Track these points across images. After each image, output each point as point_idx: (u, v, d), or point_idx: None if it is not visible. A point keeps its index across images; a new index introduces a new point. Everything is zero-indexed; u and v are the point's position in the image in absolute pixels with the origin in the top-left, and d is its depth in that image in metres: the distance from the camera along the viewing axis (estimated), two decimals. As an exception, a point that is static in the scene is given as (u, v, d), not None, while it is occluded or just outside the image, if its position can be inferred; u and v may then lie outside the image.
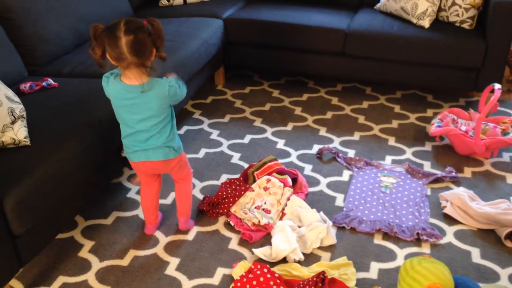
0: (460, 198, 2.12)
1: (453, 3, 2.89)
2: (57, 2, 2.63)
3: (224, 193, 2.20)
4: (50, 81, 2.28)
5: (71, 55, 2.63)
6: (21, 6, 2.43)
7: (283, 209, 2.14)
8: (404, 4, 2.97)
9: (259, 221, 2.04)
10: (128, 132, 1.81)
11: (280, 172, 2.29)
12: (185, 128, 2.87)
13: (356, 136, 2.78)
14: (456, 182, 2.37)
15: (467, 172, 2.44)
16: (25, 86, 2.23)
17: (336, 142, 2.72)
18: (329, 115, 3.00)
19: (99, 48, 1.66)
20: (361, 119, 2.95)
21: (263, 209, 2.12)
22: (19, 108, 1.84)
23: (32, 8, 2.48)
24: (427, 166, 2.50)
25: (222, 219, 2.15)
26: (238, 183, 2.27)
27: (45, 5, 2.55)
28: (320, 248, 1.98)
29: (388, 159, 2.57)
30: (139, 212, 2.21)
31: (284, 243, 1.93)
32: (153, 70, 1.74)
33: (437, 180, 2.37)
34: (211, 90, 3.34)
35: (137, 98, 1.72)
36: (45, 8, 2.55)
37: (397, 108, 3.07)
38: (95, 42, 1.65)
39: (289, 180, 2.26)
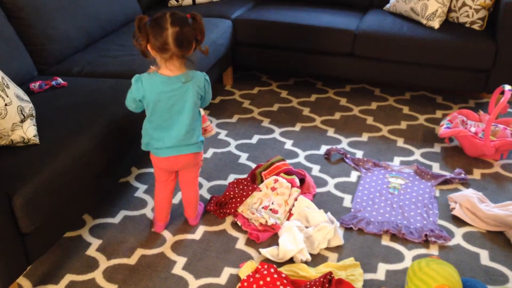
0: (469, 200, 2.10)
1: (463, 4, 2.87)
2: (67, 2, 2.64)
3: (232, 193, 2.20)
4: (60, 80, 2.29)
5: (81, 54, 2.64)
6: (32, 5, 2.45)
7: (290, 209, 2.14)
8: (414, 5, 2.95)
9: (266, 221, 2.04)
10: (163, 127, 1.82)
11: (288, 172, 2.29)
12: (193, 128, 2.88)
13: (364, 137, 2.77)
14: (465, 183, 2.35)
15: (476, 173, 2.42)
16: (35, 85, 2.24)
17: (344, 143, 2.71)
18: (337, 116, 3.00)
19: (144, 39, 1.70)
20: (370, 120, 2.94)
21: (270, 209, 2.11)
22: (28, 107, 1.85)
23: (43, 8, 2.50)
24: (435, 168, 2.48)
25: (229, 219, 2.15)
26: (245, 183, 2.26)
27: (55, 5, 2.57)
28: (327, 248, 1.97)
29: (397, 160, 2.55)
30: (146, 211, 2.21)
31: (291, 243, 1.92)
32: (192, 62, 1.79)
33: (446, 181, 2.35)
34: (219, 90, 3.34)
35: (178, 90, 1.76)
36: (55, 8, 2.56)
37: (405, 109, 3.06)
38: (140, 33, 1.69)
39: (297, 181, 2.25)
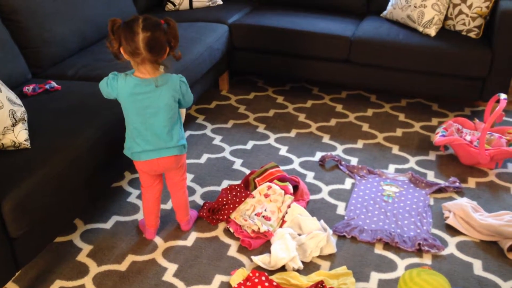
0: (463, 209, 2.09)
1: (460, 12, 2.87)
2: (62, 5, 2.63)
3: (225, 199, 2.18)
4: (53, 83, 2.29)
5: (76, 57, 2.63)
6: (27, 8, 2.44)
7: (283, 216, 2.13)
8: (411, 12, 2.95)
9: (258, 228, 2.02)
10: (139, 130, 1.81)
11: (282, 179, 2.27)
12: (188, 133, 2.87)
13: (360, 144, 2.76)
14: (460, 192, 2.34)
15: (471, 182, 2.41)
16: (28, 89, 2.23)
17: (339, 150, 2.70)
18: (333, 122, 2.99)
19: (116, 42, 1.70)
20: (365, 127, 2.93)
21: (263, 216, 2.10)
22: (20, 111, 1.84)
23: (38, 10, 2.49)
24: (430, 176, 2.47)
25: (222, 226, 2.13)
26: (238, 189, 2.25)
27: (51, 8, 2.56)
28: (319, 257, 1.96)
29: (391, 167, 2.54)
30: (138, 216, 2.20)
31: (283, 251, 1.91)
32: (166, 67, 1.80)
33: (441, 190, 2.34)
34: (215, 95, 3.33)
35: (151, 92, 1.76)
36: (51, 11, 2.55)
37: (401, 117, 3.05)
38: (113, 35, 1.70)
39: (290, 188, 2.24)
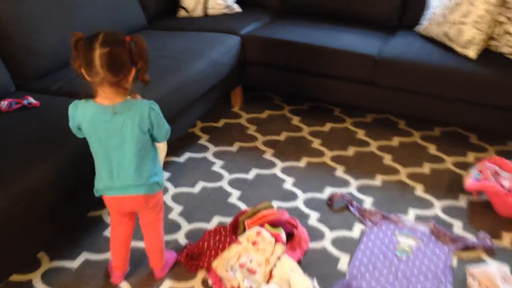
0: (490, 278, 1.71)
1: (506, 32, 2.45)
2: (57, 12, 2.42)
3: (206, 243, 1.89)
4: (31, 99, 2.07)
5: (65, 70, 2.39)
6: (13, 16, 2.23)
7: (271, 270, 1.81)
8: (448, 29, 2.55)
9: (239, 285, 1.72)
10: (104, 165, 1.58)
11: (274, 223, 1.96)
12: (187, 155, 2.59)
13: (378, 180, 2.39)
14: (490, 251, 1.95)
15: (506, 239, 2.01)
16: (4, 104, 2.03)
17: (352, 186, 2.34)
18: (350, 151, 2.63)
19: (79, 58, 1.47)
20: (387, 159, 2.56)
21: (247, 269, 1.79)
22: (-23, 133, 1.62)
23: (26, 18, 2.28)
24: (457, 227, 2.08)
25: (201, 274, 1.84)
26: (224, 233, 1.96)
27: (41, 14, 2.34)
28: (308, 326, 1.64)
29: (411, 213, 2.17)
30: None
31: (263, 317, 1.60)
32: (131, 91, 1.55)
33: (467, 247, 1.96)
34: (225, 112, 3.05)
35: (112, 122, 1.51)
36: (40, 18, 2.33)
37: (432, 148, 2.66)
38: (75, 51, 1.46)
39: (283, 235, 1.91)
